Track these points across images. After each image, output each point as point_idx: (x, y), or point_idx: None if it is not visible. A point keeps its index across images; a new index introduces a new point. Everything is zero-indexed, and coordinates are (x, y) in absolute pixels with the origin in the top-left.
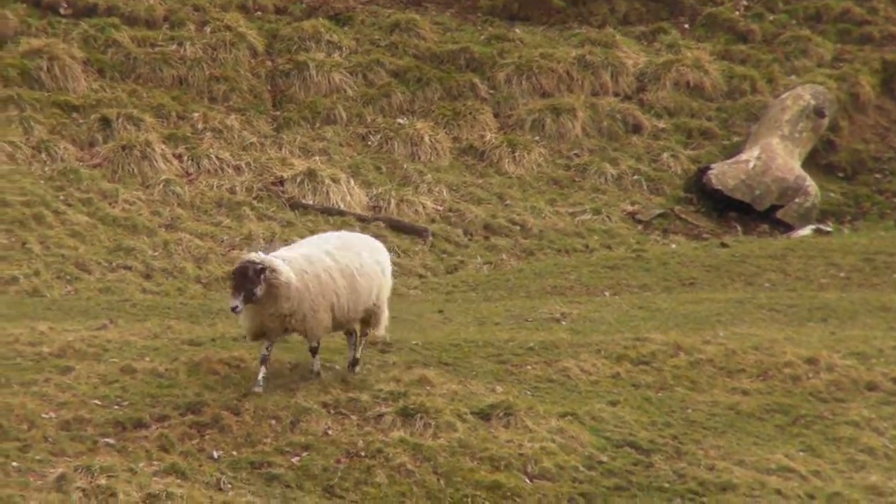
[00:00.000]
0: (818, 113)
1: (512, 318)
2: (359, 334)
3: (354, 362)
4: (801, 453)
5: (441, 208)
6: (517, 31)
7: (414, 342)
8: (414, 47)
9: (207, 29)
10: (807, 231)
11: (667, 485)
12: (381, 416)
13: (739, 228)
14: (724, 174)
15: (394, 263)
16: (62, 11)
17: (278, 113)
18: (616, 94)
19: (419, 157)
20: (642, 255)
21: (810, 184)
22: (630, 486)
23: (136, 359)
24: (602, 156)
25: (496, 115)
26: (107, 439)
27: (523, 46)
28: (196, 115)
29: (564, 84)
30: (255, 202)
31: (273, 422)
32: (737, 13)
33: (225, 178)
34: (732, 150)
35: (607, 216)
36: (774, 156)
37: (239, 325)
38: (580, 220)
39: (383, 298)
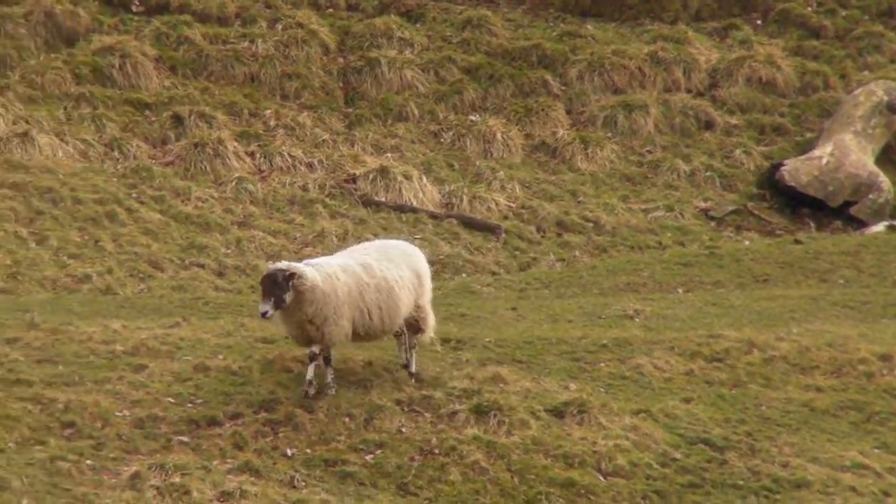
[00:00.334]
0: (891, 109)
1: (585, 316)
2: (408, 341)
3: (408, 364)
4: (875, 450)
5: (514, 205)
6: (589, 27)
7: (487, 339)
8: (486, 44)
9: (279, 26)
10: (880, 227)
11: (741, 482)
12: (454, 413)
13: (812, 225)
14: (797, 170)
15: (466, 261)
16: (134, 9)
17: (350, 110)
18: (688, 91)
19: (491, 154)
20: (715, 252)
21: (883, 180)
22: (704, 484)
23: (209, 357)
24: (675, 152)
25: (568, 112)
26: (180, 437)
27: (595, 43)
28: (268, 112)
29: (637, 80)
30: (327, 199)
31: (347, 419)
32: (809, 9)
33: (297, 175)
34: (805, 147)
35: (680, 213)
36: (847, 152)
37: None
38: (653, 217)
39: (423, 303)
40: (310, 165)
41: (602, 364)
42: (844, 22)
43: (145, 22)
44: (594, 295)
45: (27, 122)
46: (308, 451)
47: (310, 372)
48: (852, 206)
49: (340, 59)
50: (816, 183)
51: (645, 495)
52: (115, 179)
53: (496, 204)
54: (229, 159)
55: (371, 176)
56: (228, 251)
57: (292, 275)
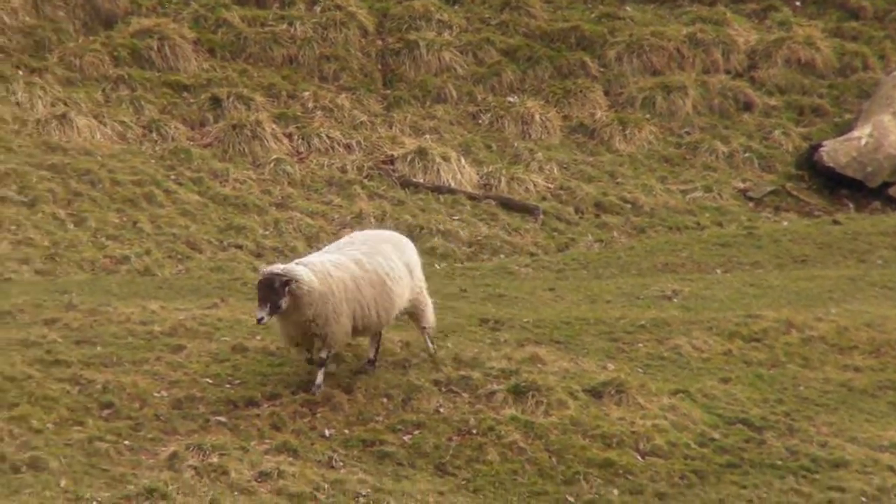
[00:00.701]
0: None
1: (623, 296)
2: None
3: (372, 361)
4: None
5: (552, 186)
6: (628, 8)
7: (525, 320)
8: (524, 26)
9: (317, 8)
10: None
11: (779, 462)
12: (492, 393)
13: (851, 205)
14: (835, 151)
15: (505, 242)
16: None
17: (388, 92)
18: (727, 72)
19: (530, 136)
20: (754, 233)
21: None
22: (742, 464)
23: (247, 337)
24: (713, 133)
25: (606, 93)
26: (218, 417)
27: (634, 24)
28: (306, 94)
29: (675, 62)
30: (365, 181)
31: (385, 400)
32: None
33: (335, 156)
34: (844, 128)
35: (718, 193)
36: (886, 133)
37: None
38: (691, 198)
39: (419, 290)
40: (348, 147)
41: (640, 344)
42: (884, 3)
43: (183, 4)
44: (632, 275)
45: (66, 104)
46: (346, 431)
47: (319, 377)
48: (891, 187)
49: (379, 41)
50: (855, 164)
51: (683, 475)
52: (153, 161)
53: (534, 185)
54: (267, 141)
55: (409, 157)
56: (266, 232)
57: (289, 280)
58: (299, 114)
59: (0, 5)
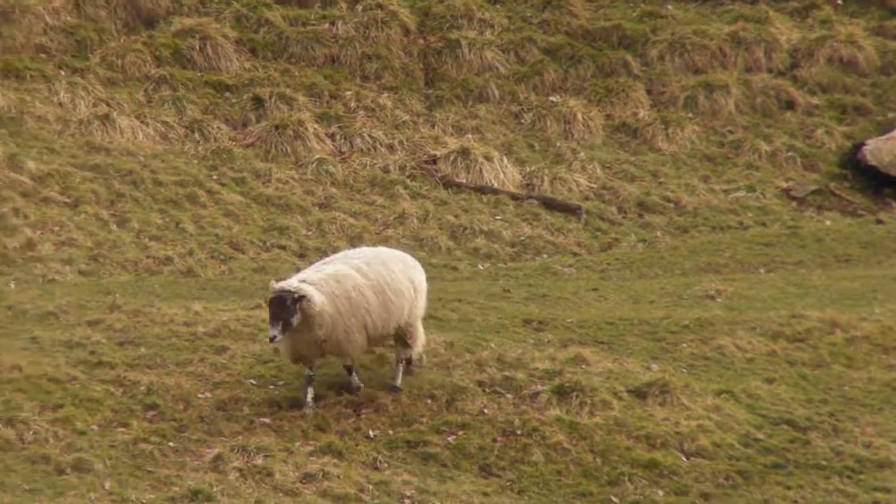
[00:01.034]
0: None
1: (667, 296)
2: (396, 356)
3: (394, 379)
4: None
5: (594, 186)
6: (670, 7)
7: (569, 320)
8: (566, 24)
9: (359, 7)
10: None
11: (824, 462)
12: (536, 394)
13: (895, 204)
14: (878, 150)
15: (547, 242)
16: None
17: (430, 91)
18: (769, 71)
19: (572, 135)
20: (797, 232)
21: None
22: (787, 464)
23: None
24: (756, 132)
25: (649, 92)
26: (263, 419)
27: (676, 23)
28: (348, 93)
29: (717, 60)
30: (408, 181)
31: (429, 401)
32: None
33: (378, 156)
34: (887, 127)
35: (761, 193)
36: None
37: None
38: (734, 197)
39: (416, 316)
40: (390, 147)
41: (684, 344)
42: None
43: (225, 4)
44: (675, 275)
45: (107, 104)
46: (390, 432)
47: (355, 379)
48: None
49: (421, 41)
50: None
51: (727, 476)
52: (195, 161)
53: (577, 185)
54: (309, 141)
55: (451, 157)
56: (309, 233)
57: (301, 297)
58: (341, 113)
59: (41, 5)
